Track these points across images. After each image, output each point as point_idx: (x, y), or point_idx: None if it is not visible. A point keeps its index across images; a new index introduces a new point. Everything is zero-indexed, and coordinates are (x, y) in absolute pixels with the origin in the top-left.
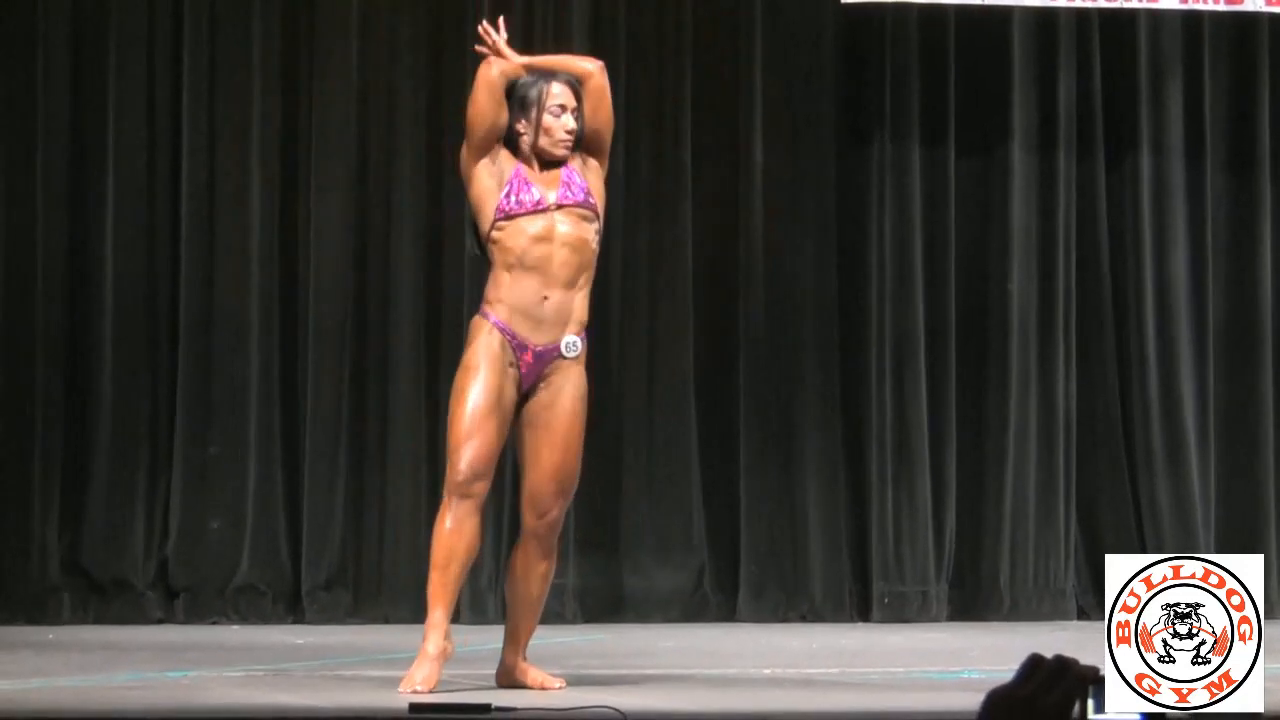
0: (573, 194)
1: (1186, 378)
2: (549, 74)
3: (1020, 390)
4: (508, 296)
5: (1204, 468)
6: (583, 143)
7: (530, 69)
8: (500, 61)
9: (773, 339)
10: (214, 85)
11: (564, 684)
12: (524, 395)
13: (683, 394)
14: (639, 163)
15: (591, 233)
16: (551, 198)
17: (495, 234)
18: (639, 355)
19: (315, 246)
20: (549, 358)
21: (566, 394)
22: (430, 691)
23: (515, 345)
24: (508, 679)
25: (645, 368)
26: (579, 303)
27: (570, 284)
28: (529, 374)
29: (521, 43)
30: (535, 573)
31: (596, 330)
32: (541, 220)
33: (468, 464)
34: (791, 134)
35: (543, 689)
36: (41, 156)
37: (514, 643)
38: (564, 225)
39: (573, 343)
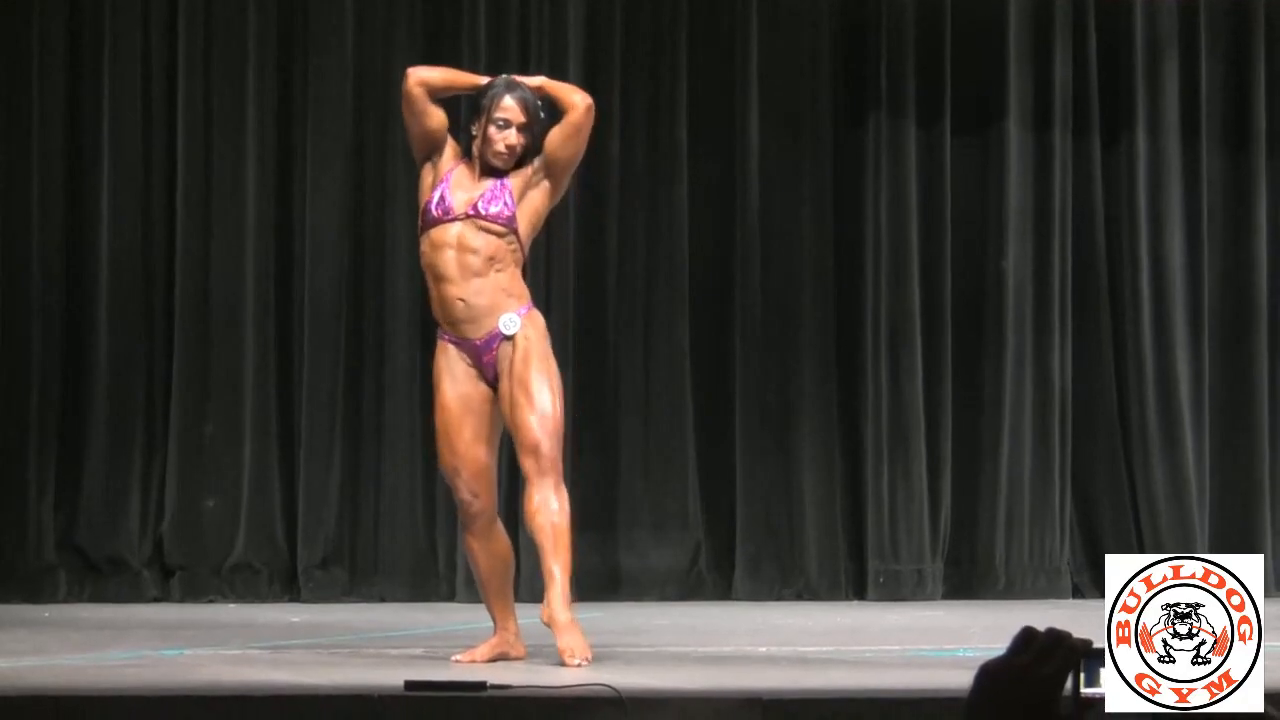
0: (488, 208)
1: (1181, 356)
2: (512, 85)
3: (1016, 369)
4: (437, 311)
5: (1199, 446)
6: (531, 159)
7: (511, 81)
8: (418, 71)
9: (768, 318)
10: (209, 66)
11: (587, 660)
12: (493, 381)
13: (679, 373)
14: (635, 145)
15: (497, 242)
16: (462, 206)
17: (419, 239)
18: (635, 335)
19: (311, 226)
20: (495, 342)
21: (526, 350)
22: (471, 662)
23: (465, 348)
24: (547, 619)
25: (642, 347)
26: (501, 284)
27: (478, 275)
28: (489, 364)
29: (518, 20)
30: (549, 507)
31: (593, 312)
32: (451, 229)
33: (466, 489)
34: (787, 114)
35: (562, 655)
36: (37, 138)
37: (549, 584)
38: (469, 235)
39: (509, 320)
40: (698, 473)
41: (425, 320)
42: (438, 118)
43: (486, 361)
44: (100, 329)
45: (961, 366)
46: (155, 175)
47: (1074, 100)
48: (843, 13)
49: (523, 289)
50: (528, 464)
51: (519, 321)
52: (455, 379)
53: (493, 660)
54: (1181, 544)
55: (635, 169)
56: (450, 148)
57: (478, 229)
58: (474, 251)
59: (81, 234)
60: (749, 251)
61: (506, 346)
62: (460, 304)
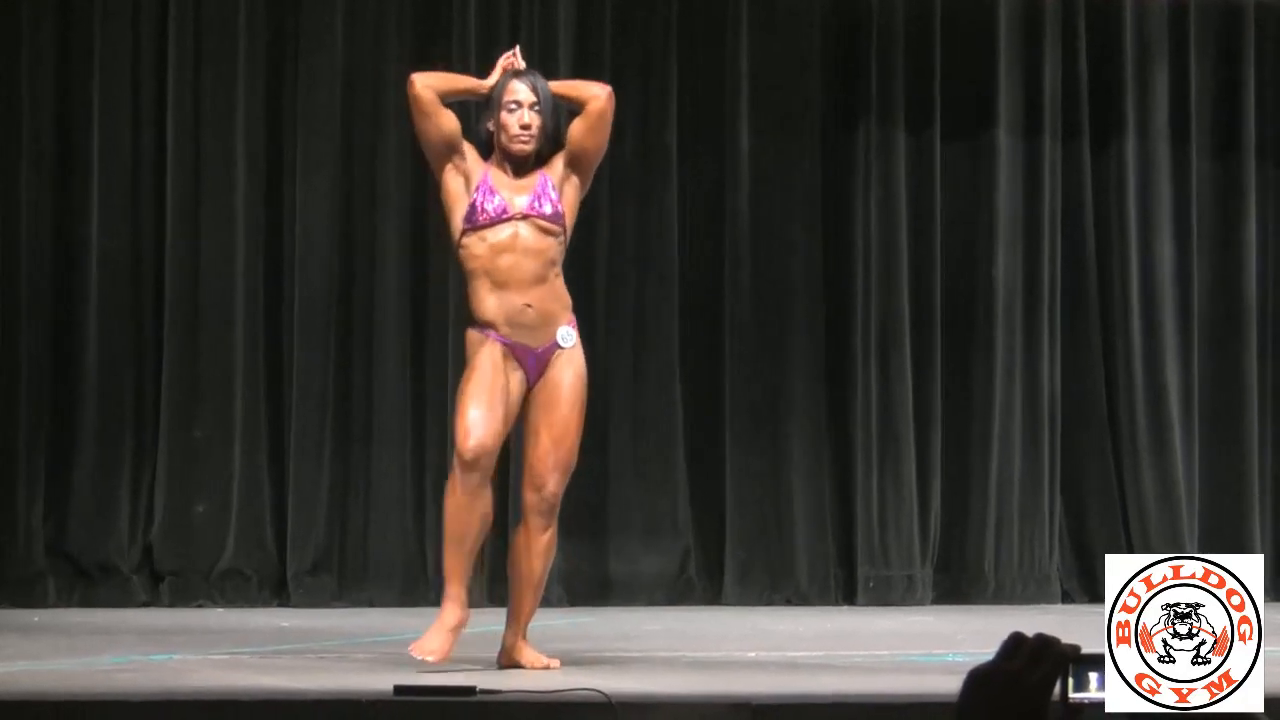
0: (540, 206)
1: (1171, 361)
2: (518, 73)
3: (1005, 374)
4: (496, 313)
5: (1188, 450)
6: (553, 142)
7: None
8: (422, 75)
9: (758, 323)
10: (199, 66)
11: (559, 664)
12: (530, 386)
13: (668, 378)
14: (625, 146)
15: (553, 242)
16: (518, 205)
17: (464, 240)
18: (625, 339)
19: (301, 229)
20: (549, 354)
21: (567, 376)
22: (440, 663)
23: (518, 352)
24: (507, 659)
25: (631, 351)
26: (558, 292)
27: (542, 281)
28: (534, 372)
29: (509, 20)
30: (535, 549)
31: (582, 314)
32: (506, 229)
33: (474, 438)
34: (778, 118)
35: (533, 668)
36: (26, 140)
37: (514, 622)
38: (528, 236)
39: (567, 334)
40: (687, 478)
41: (417, 322)
42: (451, 118)
43: (538, 369)
44: (89, 334)
45: (951, 372)
46: (145, 177)
47: (1064, 104)
48: (834, 16)
49: (568, 297)
50: (529, 497)
51: (575, 336)
52: (498, 368)
53: (452, 645)
54: (1171, 547)
55: (626, 170)
56: (470, 150)
57: (536, 230)
58: (536, 254)
59: (71, 239)
60: (739, 254)
61: (557, 355)
62: (530, 310)
